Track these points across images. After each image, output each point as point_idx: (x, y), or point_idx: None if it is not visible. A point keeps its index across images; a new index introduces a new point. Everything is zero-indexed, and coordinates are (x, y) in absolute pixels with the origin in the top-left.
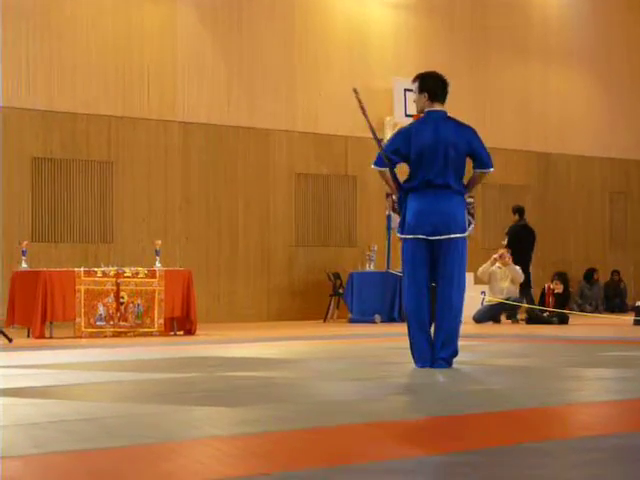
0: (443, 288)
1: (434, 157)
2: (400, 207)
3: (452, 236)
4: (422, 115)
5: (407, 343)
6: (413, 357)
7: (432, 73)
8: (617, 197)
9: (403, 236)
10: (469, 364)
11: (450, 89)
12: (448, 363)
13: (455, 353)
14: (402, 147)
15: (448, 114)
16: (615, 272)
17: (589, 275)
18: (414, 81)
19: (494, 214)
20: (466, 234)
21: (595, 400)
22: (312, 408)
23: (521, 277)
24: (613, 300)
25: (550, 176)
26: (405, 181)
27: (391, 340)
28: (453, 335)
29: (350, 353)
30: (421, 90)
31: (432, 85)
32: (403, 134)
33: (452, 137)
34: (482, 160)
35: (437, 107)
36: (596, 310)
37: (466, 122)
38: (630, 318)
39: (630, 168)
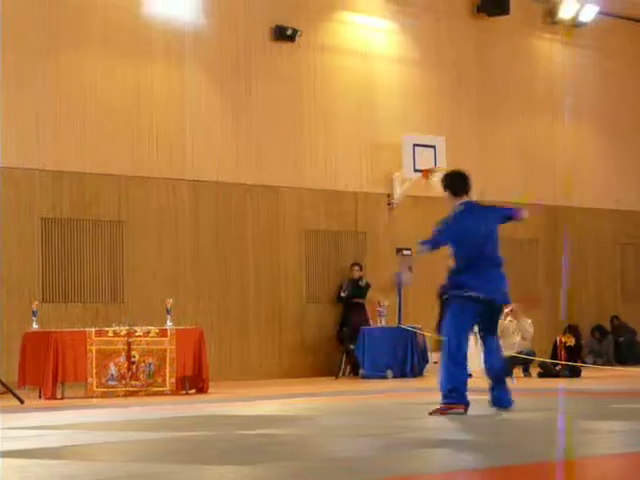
0: None
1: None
2: None
3: None
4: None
5: (418, 399)
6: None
7: (452, 172)
8: (627, 249)
9: None
10: (482, 417)
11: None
12: None
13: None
14: None
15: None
16: (614, 317)
17: (597, 331)
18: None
19: (504, 268)
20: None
21: (609, 453)
22: (326, 465)
23: (531, 333)
24: (624, 347)
25: (559, 229)
26: None
27: (404, 396)
28: None
29: (363, 409)
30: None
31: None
32: None
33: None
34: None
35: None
36: (608, 363)
37: (474, 176)
38: None
39: (639, 219)
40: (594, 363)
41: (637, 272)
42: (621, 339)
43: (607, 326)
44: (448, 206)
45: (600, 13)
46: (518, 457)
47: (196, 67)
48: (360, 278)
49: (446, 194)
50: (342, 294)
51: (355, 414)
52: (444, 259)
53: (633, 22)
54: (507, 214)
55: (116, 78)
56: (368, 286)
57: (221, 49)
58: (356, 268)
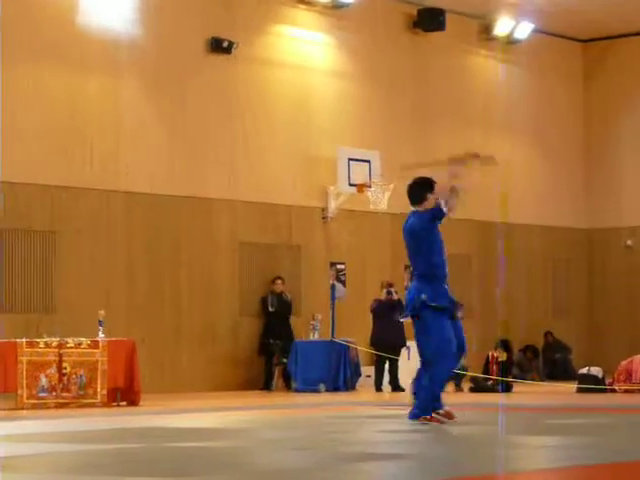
0: None
1: None
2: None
3: None
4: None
5: (351, 413)
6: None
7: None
8: (559, 265)
9: None
10: (413, 432)
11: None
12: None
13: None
14: None
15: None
16: (548, 333)
17: (529, 351)
18: None
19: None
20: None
21: (540, 468)
22: (258, 478)
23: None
24: (555, 362)
25: (492, 245)
26: None
27: (336, 409)
28: None
29: (296, 423)
30: None
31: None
32: None
33: None
34: None
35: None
36: (537, 379)
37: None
38: (573, 386)
39: (571, 236)
40: (522, 378)
41: (569, 288)
42: (557, 356)
43: (540, 342)
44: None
45: (535, 30)
46: (451, 470)
47: (131, 78)
48: (283, 292)
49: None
50: (270, 309)
51: (288, 427)
52: (378, 277)
53: (567, 40)
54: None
55: (50, 88)
56: (292, 302)
57: (157, 60)
58: (279, 282)
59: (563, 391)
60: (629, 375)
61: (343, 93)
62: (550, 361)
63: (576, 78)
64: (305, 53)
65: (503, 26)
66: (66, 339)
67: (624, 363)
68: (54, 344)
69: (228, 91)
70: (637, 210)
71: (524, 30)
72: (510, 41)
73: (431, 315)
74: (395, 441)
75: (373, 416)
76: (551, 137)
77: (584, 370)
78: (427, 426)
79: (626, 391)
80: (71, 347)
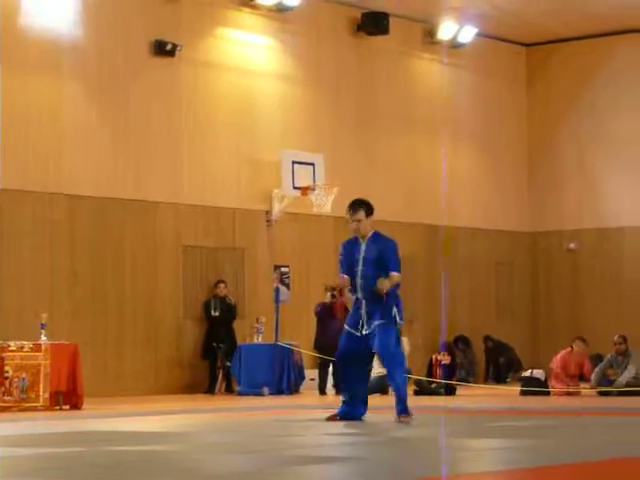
0: None
1: None
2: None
3: None
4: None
5: (295, 416)
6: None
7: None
8: (503, 268)
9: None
10: (356, 435)
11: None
12: None
13: None
14: None
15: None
16: (487, 338)
17: (459, 342)
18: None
19: None
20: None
21: (484, 470)
22: None
23: (407, 350)
24: (503, 366)
25: (437, 248)
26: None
27: (280, 413)
28: None
29: (240, 426)
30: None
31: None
32: None
33: None
34: None
35: None
36: (477, 377)
37: (354, 195)
38: (517, 388)
39: (515, 240)
40: (467, 381)
41: (512, 291)
42: (501, 360)
43: (481, 346)
44: (367, 230)
45: (479, 34)
46: (394, 473)
47: (73, 79)
48: (226, 296)
49: (369, 219)
50: (214, 313)
51: (231, 431)
52: (322, 280)
53: (511, 44)
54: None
55: None
56: (236, 306)
57: (99, 62)
58: (221, 285)
59: (506, 394)
60: (565, 366)
61: (287, 96)
62: (495, 366)
63: (519, 82)
64: (249, 56)
65: (447, 30)
66: (8, 342)
67: (563, 353)
68: None
69: (172, 94)
70: (579, 214)
71: (468, 34)
72: (454, 45)
73: None
74: (339, 444)
75: (317, 419)
76: (495, 140)
77: (527, 373)
78: (371, 429)
79: (567, 393)
80: (13, 350)
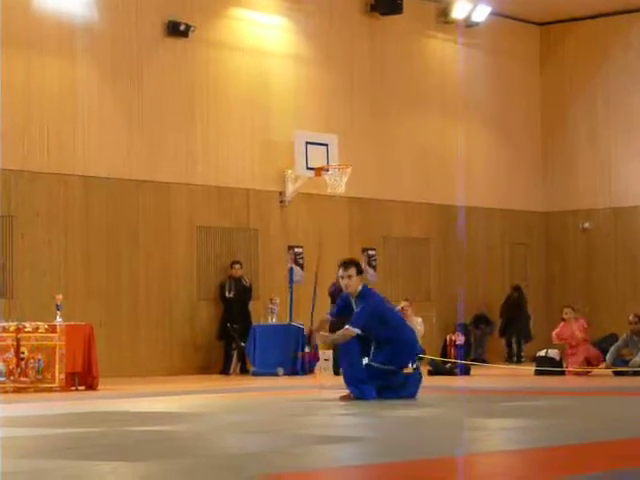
0: None
1: None
2: None
3: None
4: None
5: (309, 396)
6: None
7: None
8: (518, 248)
9: None
10: (370, 415)
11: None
12: None
13: None
14: None
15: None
16: (515, 288)
17: (480, 321)
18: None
19: (396, 266)
20: None
21: (498, 450)
22: (218, 461)
23: (421, 332)
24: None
25: (451, 228)
26: None
27: (294, 393)
28: None
29: (253, 406)
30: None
31: None
32: None
33: None
34: None
35: None
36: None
37: (368, 175)
38: (531, 368)
39: (530, 220)
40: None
41: (526, 271)
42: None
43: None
44: (357, 286)
45: (492, 14)
46: (409, 453)
47: (88, 61)
48: (242, 276)
49: (359, 277)
50: (228, 294)
51: (247, 411)
52: (336, 260)
53: (524, 23)
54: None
55: (5, 72)
56: (251, 287)
57: (113, 43)
58: (237, 266)
59: (521, 373)
60: (571, 335)
61: (301, 77)
62: (510, 320)
63: (533, 61)
64: (263, 36)
65: (460, 9)
66: (24, 324)
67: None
68: (12, 329)
69: (185, 75)
70: (594, 193)
71: (481, 13)
72: (468, 24)
73: None
74: (353, 424)
75: (332, 399)
76: (509, 120)
77: (542, 352)
78: (384, 409)
79: (583, 373)
80: (29, 332)
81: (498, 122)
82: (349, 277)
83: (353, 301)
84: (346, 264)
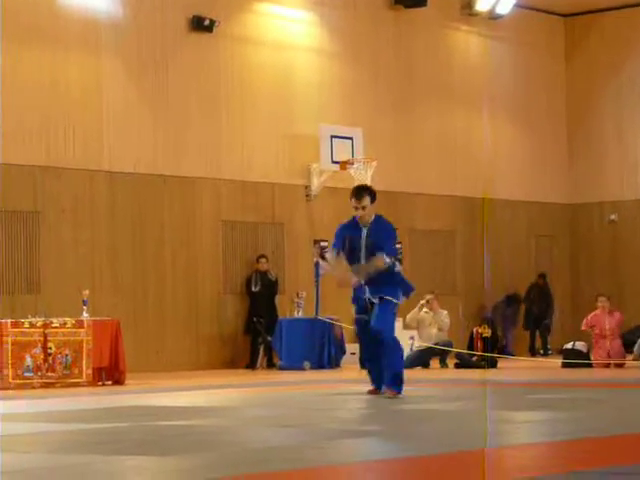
0: None
1: None
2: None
3: None
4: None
5: (336, 390)
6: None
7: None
8: (543, 241)
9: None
10: (399, 409)
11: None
12: None
13: None
14: None
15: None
16: (541, 276)
17: (510, 300)
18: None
19: (421, 259)
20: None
21: (527, 442)
22: (245, 455)
23: (447, 324)
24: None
25: (477, 221)
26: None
27: (321, 387)
28: None
29: (281, 400)
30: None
31: None
32: None
33: None
34: None
35: None
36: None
37: (393, 168)
38: (558, 360)
39: (556, 212)
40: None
41: (552, 264)
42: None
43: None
44: (371, 216)
45: (517, 6)
46: (437, 446)
47: (113, 57)
48: (268, 270)
49: (373, 205)
50: (254, 288)
51: (273, 405)
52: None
53: (549, 14)
54: None
55: (31, 68)
56: (277, 281)
57: (138, 39)
58: (263, 260)
59: (548, 366)
60: (602, 325)
61: (325, 70)
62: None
63: (558, 53)
64: (287, 31)
65: (485, 1)
66: (51, 319)
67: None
68: (39, 324)
69: (210, 70)
70: (620, 185)
71: (506, 5)
72: (492, 16)
73: None
74: (378, 418)
75: (358, 393)
76: (534, 112)
77: (569, 345)
78: (412, 402)
79: (611, 365)
80: (56, 327)
81: (523, 114)
82: (363, 208)
83: (364, 230)
84: (358, 192)
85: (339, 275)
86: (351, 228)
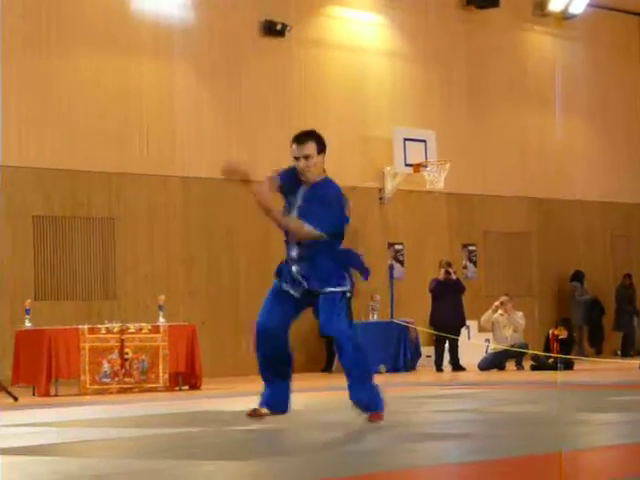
0: None
1: None
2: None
3: None
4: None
5: (412, 393)
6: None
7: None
8: (619, 240)
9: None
10: (476, 412)
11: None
12: None
13: None
14: None
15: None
16: (627, 276)
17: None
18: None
19: (496, 261)
20: None
21: (606, 444)
22: (321, 459)
23: (522, 326)
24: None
25: (551, 222)
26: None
27: (397, 390)
28: None
29: None
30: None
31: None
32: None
33: None
34: None
35: None
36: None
37: (467, 171)
38: (636, 362)
39: (630, 211)
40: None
41: (629, 264)
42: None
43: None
44: (319, 171)
45: (590, 5)
46: (516, 450)
47: (185, 62)
48: None
49: (321, 157)
50: None
51: (350, 408)
52: (436, 257)
53: (623, 13)
54: None
55: (104, 74)
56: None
57: (210, 44)
58: None
59: (626, 367)
60: None
61: (397, 73)
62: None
63: (633, 53)
64: (358, 33)
65: (558, 1)
66: (127, 325)
67: None
68: (115, 330)
69: (283, 74)
70: None
71: (579, 5)
72: (565, 16)
73: None
74: (454, 421)
75: (434, 396)
76: (608, 113)
77: None
78: (486, 405)
79: None
80: (132, 332)
81: (598, 115)
82: (306, 158)
83: (303, 189)
84: (300, 137)
85: (264, 195)
86: (290, 178)
